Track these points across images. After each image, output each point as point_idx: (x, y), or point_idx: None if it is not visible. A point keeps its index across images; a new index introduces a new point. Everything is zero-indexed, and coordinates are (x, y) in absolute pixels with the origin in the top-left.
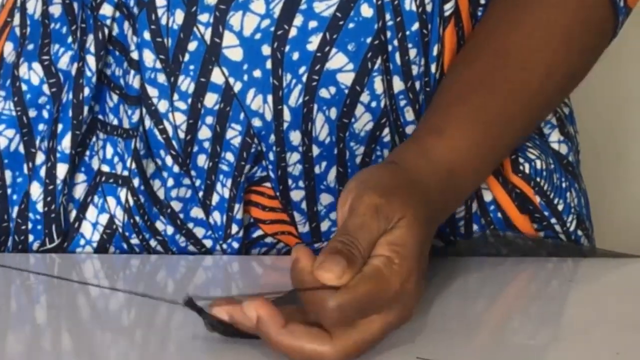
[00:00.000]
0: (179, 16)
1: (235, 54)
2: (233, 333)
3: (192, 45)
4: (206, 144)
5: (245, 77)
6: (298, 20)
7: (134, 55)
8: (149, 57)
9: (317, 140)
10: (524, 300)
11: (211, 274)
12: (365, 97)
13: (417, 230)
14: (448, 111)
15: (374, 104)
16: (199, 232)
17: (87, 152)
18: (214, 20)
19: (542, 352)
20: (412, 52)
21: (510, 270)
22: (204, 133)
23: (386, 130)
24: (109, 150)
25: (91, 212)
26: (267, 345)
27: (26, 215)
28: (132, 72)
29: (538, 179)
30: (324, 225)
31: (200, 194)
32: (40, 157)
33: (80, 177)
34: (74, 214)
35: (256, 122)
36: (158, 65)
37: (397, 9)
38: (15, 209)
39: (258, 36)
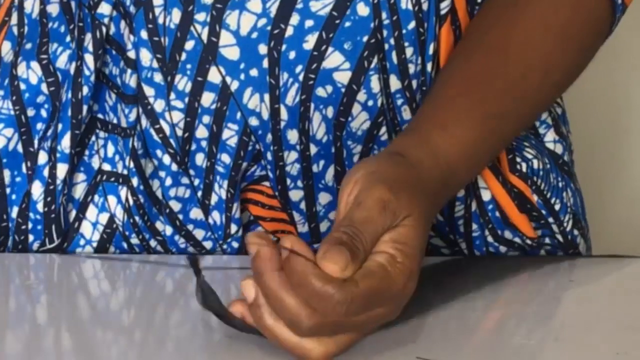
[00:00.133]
0: (176, 15)
1: (232, 53)
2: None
3: (189, 45)
4: (203, 143)
5: (242, 76)
6: (294, 19)
7: (131, 54)
8: (145, 56)
9: (315, 139)
10: (523, 300)
11: (211, 274)
12: (361, 96)
13: (422, 229)
14: (450, 105)
15: (370, 103)
16: (199, 234)
17: (87, 152)
18: (211, 19)
19: (542, 352)
20: (409, 51)
21: (510, 269)
22: (201, 132)
23: (383, 129)
24: (110, 149)
25: (91, 212)
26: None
27: (26, 215)
28: (129, 71)
29: (535, 178)
30: (323, 226)
31: (199, 193)
32: (43, 157)
33: (80, 176)
34: (73, 213)
35: (253, 121)
36: (155, 64)
37: (393, 7)
38: (15, 208)
39: (255, 35)
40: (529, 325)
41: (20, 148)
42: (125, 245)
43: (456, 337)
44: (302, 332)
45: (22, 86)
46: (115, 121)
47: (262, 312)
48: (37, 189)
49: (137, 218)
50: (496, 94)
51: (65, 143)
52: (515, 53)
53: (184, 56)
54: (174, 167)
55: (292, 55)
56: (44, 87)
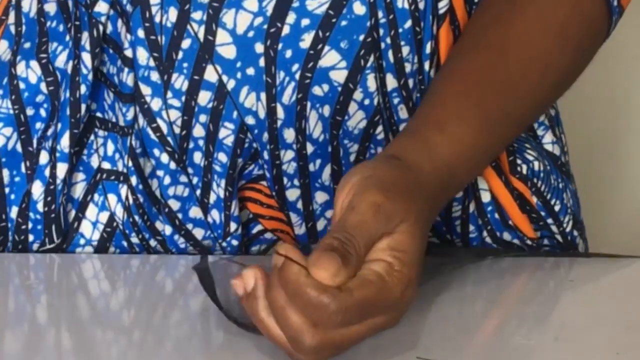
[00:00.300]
0: (173, 14)
1: (228, 51)
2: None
3: (186, 43)
4: (201, 142)
5: (239, 75)
6: (291, 18)
7: (128, 53)
8: (142, 55)
9: (311, 137)
10: (523, 300)
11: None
12: (358, 95)
13: (419, 234)
14: (448, 105)
15: (367, 102)
16: (199, 233)
17: (85, 151)
18: (207, 18)
19: (542, 352)
20: (405, 50)
21: (509, 270)
22: (198, 131)
23: (380, 128)
24: (110, 147)
25: (91, 211)
26: (252, 312)
27: (26, 214)
28: (126, 69)
29: (535, 180)
30: (320, 225)
31: (198, 192)
32: (44, 157)
33: (79, 176)
34: (73, 213)
35: (249, 120)
36: (152, 63)
37: (390, 6)
38: (14, 208)
39: (251, 34)
40: (529, 325)
41: (19, 147)
42: (125, 244)
43: (456, 337)
44: (304, 351)
45: (22, 85)
46: (114, 120)
47: (257, 305)
48: (37, 189)
49: (136, 217)
50: (495, 94)
51: (65, 142)
52: (514, 52)
53: (180, 55)
54: (172, 165)
55: (288, 54)
56: (43, 87)
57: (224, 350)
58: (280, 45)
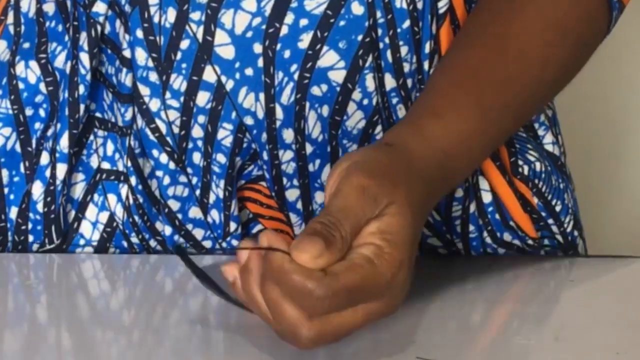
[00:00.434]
0: (171, 14)
1: (227, 52)
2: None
3: (185, 44)
4: (199, 143)
5: (237, 75)
6: (289, 18)
7: (126, 53)
8: (141, 56)
9: (310, 138)
10: (523, 300)
11: (210, 274)
12: (357, 95)
13: (409, 216)
14: (445, 94)
15: (365, 102)
16: (198, 233)
17: (85, 151)
18: (206, 18)
19: (542, 352)
20: (404, 50)
21: (509, 269)
22: (197, 132)
23: (379, 128)
24: (110, 147)
25: (91, 211)
26: (249, 299)
27: (26, 215)
28: (125, 70)
29: (536, 181)
30: None
31: (197, 192)
32: (45, 158)
33: (79, 176)
34: (72, 214)
35: (248, 121)
36: (150, 63)
37: (388, 6)
38: (14, 208)
39: (249, 34)
40: (529, 325)
41: (18, 147)
42: (125, 244)
43: (456, 337)
44: (302, 342)
45: (21, 85)
46: (113, 120)
47: (250, 279)
48: (37, 189)
49: (136, 217)
50: (494, 86)
51: (64, 143)
52: (513, 46)
53: (179, 55)
54: (172, 165)
55: (287, 54)
56: (42, 87)
57: (224, 350)
58: (278, 46)
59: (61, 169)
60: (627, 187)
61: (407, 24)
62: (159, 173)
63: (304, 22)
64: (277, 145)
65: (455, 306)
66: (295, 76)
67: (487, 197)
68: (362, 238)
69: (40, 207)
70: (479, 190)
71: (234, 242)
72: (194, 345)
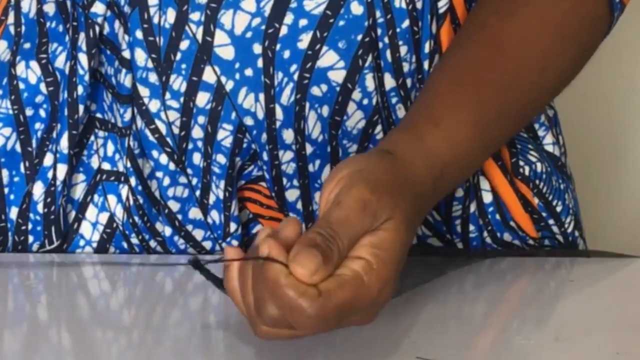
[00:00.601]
0: (171, 15)
1: (226, 52)
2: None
3: (184, 44)
4: (199, 143)
5: (237, 76)
6: (288, 18)
7: (126, 54)
8: (140, 56)
9: (310, 138)
10: (523, 300)
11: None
12: (356, 95)
13: (403, 233)
14: (444, 102)
15: (365, 102)
16: (198, 234)
17: (85, 152)
18: (205, 18)
19: (542, 352)
20: (403, 50)
21: (510, 270)
22: (197, 133)
23: (379, 128)
24: (110, 148)
25: (91, 212)
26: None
27: (27, 215)
28: (124, 71)
29: (537, 182)
30: None
31: (197, 193)
32: (49, 159)
33: (80, 177)
34: (73, 214)
35: (248, 121)
36: (150, 64)
37: (387, 6)
38: (14, 209)
39: (249, 35)
40: (529, 325)
41: (18, 148)
42: (125, 245)
43: (456, 337)
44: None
45: (21, 86)
46: (113, 121)
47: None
48: (38, 190)
49: (136, 218)
50: (491, 91)
51: (64, 143)
52: (511, 50)
53: (179, 56)
54: (172, 166)
55: (286, 54)
56: (42, 87)
57: (224, 350)
58: (278, 46)
59: (61, 170)
60: (627, 187)
61: (406, 23)
62: (159, 174)
63: (303, 22)
64: (277, 145)
65: (455, 306)
66: (295, 76)
67: (487, 197)
68: (354, 250)
69: (40, 207)
70: (480, 190)
71: (234, 243)
72: (194, 345)
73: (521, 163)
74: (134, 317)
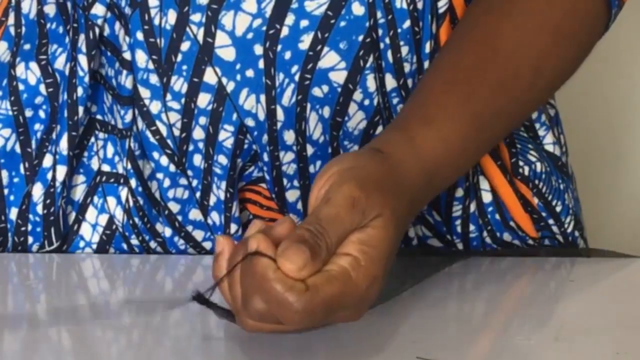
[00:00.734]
0: (172, 16)
1: (227, 53)
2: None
3: (185, 46)
4: (200, 145)
5: (238, 77)
6: (289, 19)
7: (126, 55)
8: (141, 58)
9: (311, 139)
10: (523, 300)
11: (210, 273)
12: (358, 96)
13: (392, 231)
14: (437, 101)
15: (366, 102)
16: (198, 234)
17: (86, 153)
18: (206, 20)
19: (542, 352)
20: (404, 50)
21: (509, 270)
22: (198, 134)
23: (380, 128)
24: (110, 149)
25: (90, 213)
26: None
27: (27, 216)
28: (124, 72)
29: (537, 182)
30: None
31: (198, 194)
32: (48, 160)
33: (80, 178)
34: (73, 215)
35: (249, 122)
36: (150, 65)
37: (388, 6)
38: (14, 209)
39: (250, 36)
40: (529, 325)
41: (18, 148)
42: (125, 246)
43: (456, 337)
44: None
45: (21, 87)
46: (113, 122)
47: (222, 261)
48: (37, 191)
49: (136, 219)
50: (486, 91)
51: (63, 145)
52: (506, 50)
53: (179, 57)
54: (172, 168)
55: (287, 55)
56: (42, 88)
57: (224, 350)
58: (279, 47)
59: (61, 171)
60: (627, 187)
61: (407, 24)
62: (159, 175)
63: (304, 23)
64: (278, 146)
65: (455, 306)
66: (296, 77)
67: (487, 197)
68: (342, 247)
69: (39, 209)
70: (479, 190)
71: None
72: (194, 345)
73: (521, 163)
74: (134, 317)
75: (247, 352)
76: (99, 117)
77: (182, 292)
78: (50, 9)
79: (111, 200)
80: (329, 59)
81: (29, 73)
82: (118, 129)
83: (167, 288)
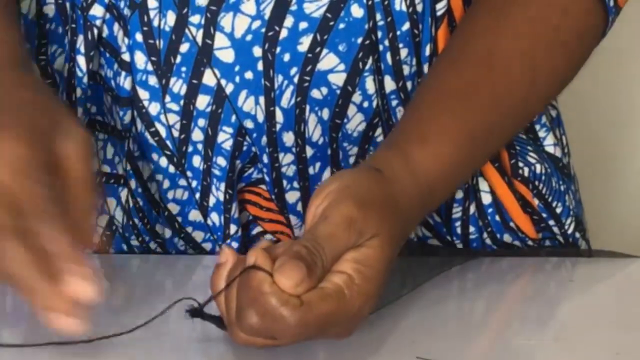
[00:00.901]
0: (171, 18)
1: (226, 55)
2: None
3: (184, 47)
4: (199, 146)
5: (237, 79)
6: (288, 21)
7: (125, 57)
8: (140, 59)
9: (311, 141)
10: (523, 300)
11: (210, 274)
12: (357, 98)
13: (388, 251)
14: (432, 119)
15: (366, 104)
16: (198, 235)
17: None
18: (205, 21)
19: (542, 352)
20: (403, 52)
21: (510, 270)
22: (197, 135)
23: (379, 131)
24: (110, 150)
25: None
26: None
27: None
28: (123, 73)
29: (537, 183)
30: None
31: (197, 195)
32: None
33: None
34: None
35: (248, 124)
36: (149, 67)
37: (388, 9)
38: None
39: (249, 37)
40: (529, 325)
41: None
42: (124, 247)
43: (456, 337)
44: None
45: None
46: (112, 123)
47: (220, 273)
48: None
49: (136, 220)
50: (480, 109)
51: None
52: (500, 65)
53: (178, 59)
54: (171, 169)
55: (286, 57)
56: None
57: (224, 350)
58: (278, 49)
59: None
60: (627, 187)
61: (406, 26)
62: (159, 177)
63: (303, 25)
64: (277, 148)
65: (455, 306)
66: (295, 79)
67: (486, 199)
68: (338, 264)
69: None
70: (479, 192)
71: (234, 245)
72: (194, 345)
73: (520, 164)
74: (134, 317)
75: (246, 352)
76: (98, 117)
77: (182, 292)
78: (49, 10)
79: (111, 202)
80: (328, 61)
81: None
82: (117, 130)
83: (167, 288)
